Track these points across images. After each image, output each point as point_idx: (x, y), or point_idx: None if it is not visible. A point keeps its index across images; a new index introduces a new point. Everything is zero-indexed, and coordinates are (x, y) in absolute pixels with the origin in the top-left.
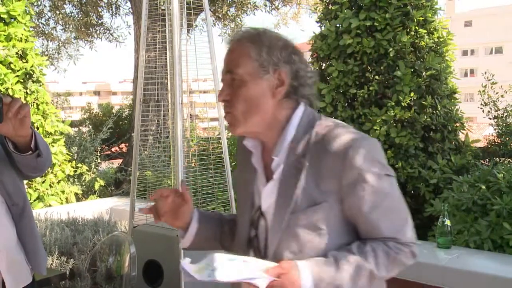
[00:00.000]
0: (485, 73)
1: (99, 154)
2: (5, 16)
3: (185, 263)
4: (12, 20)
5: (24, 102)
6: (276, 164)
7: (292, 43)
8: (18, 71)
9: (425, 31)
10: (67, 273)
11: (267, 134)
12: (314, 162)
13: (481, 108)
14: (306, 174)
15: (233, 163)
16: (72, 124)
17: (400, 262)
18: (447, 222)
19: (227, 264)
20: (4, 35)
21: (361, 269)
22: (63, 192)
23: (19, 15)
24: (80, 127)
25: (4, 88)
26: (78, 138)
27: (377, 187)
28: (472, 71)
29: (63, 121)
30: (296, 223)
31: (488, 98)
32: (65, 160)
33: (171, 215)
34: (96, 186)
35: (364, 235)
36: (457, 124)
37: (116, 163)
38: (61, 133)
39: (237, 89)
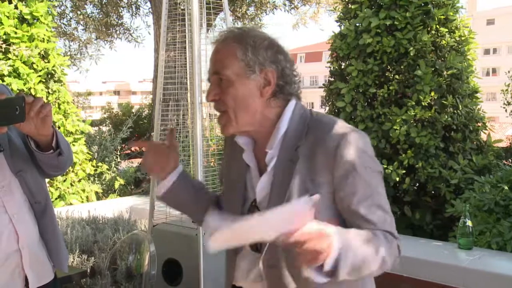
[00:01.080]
0: (509, 72)
1: (119, 153)
2: (28, 17)
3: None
4: (35, 20)
5: (46, 101)
6: (269, 158)
7: (277, 42)
8: (40, 71)
9: (446, 30)
10: (88, 271)
11: (258, 131)
12: (307, 154)
13: (504, 108)
14: (300, 166)
15: None
16: (93, 124)
17: (393, 254)
18: (469, 222)
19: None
20: (27, 35)
21: (371, 240)
22: (83, 190)
23: (41, 15)
24: (100, 127)
25: (26, 88)
26: (98, 137)
27: (368, 180)
28: (494, 70)
29: (83, 121)
30: None
31: (511, 97)
32: (85, 159)
33: (160, 164)
34: (116, 185)
35: (356, 226)
36: (479, 124)
37: (136, 162)
38: (82, 133)
39: (225, 89)
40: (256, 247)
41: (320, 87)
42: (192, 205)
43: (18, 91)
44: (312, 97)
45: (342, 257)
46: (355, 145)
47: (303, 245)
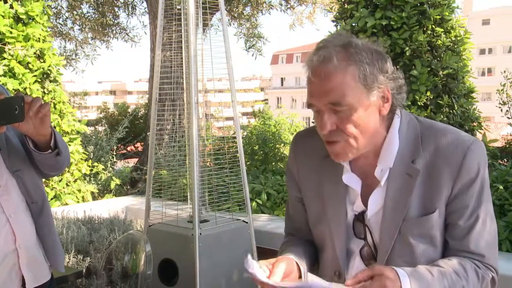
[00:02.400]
0: (504, 72)
1: (115, 153)
2: (23, 16)
3: (249, 259)
4: (31, 20)
5: (43, 101)
6: (380, 171)
7: (382, 50)
8: (36, 70)
9: (442, 30)
10: (84, 271)
11: (368, 147)
12: (428, 167)
13: (499, 108)
14: (420, 180)
15: (248, 162)
16: (88, 124)
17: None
18: None
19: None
20: (22, 35)
21: (454, 284)
22: (79, 190)
23: (37, 15)
24: (96, 127)
25: (22, 88)
26: (94, 137)
27: (485, 195)
28: (489, 70)
29: (79, 121)
30: (408, 231)
31: (506, 97)
32: (81, 159)
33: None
34: (112, 185)
35: (452, 246)
36: (474, 124)
37: (132, 162)
38: (78, 132)
39: (345, 117)
40: None
41: None
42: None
43: (13, 91)
44: None
45: None
46: (479, 156)
47: None
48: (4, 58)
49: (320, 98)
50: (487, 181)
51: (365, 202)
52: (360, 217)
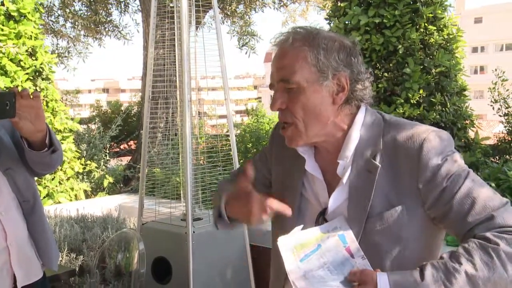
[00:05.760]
0: (496, 70)
1: (108, 152)
2: (15, 13)
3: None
4: (22, 17)
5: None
6: (341, 168)
7: (348, 43)
8: (27, 68)
9: (435, 28)
10: (77, 269)
11: (327, 141)
12: (387, 163)
13: (491, 106)
14: (380, 176)
15: (241, 160)
16: (81, 122)
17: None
18: None
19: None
20: (14, 32)
21: (451, 274)
22: (72, 189)
23: (28, 12)
24: (89, 125)
25: (14, 86)
26: (87, 135)
27: (454, 171)
28: (482, 68)
29: (72, 119)
30: (372, 229)
31: (498, 95)
32: (74, 157)
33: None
34: (105, 183)
35: (459, 232)
36: (467, 122)
37: (125, 160)
38: (70, 131)
39: (294, 97)
40: None
41: None
42: None
43: (5, 89)
44: None
45: None
46: (437, 145)
47: None
48: None
49: (275, 75)
50: (461, 167)
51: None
52: (322, 215)
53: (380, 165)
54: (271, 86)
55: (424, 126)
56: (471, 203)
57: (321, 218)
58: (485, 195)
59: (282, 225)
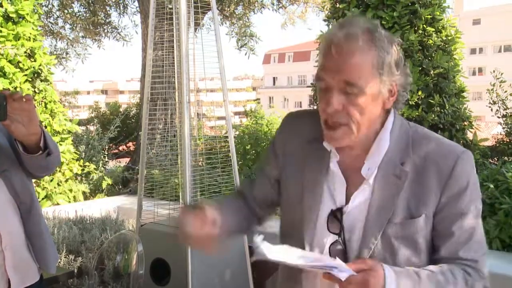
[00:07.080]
0: (494, 71)
1: (106, 153)
2: (13, 15)
3: (259, 241)
4: (21, 19)
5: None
6: (367, 169)
7: (398, 47)
8: (26, 70)
9: (433, 30)
10: (75, 271)
11: (360, 141)
12: (415, 172)
13: (490, 107)
14: (408, 184)
15: (240, 162)
16: (80, 123)
17: None
18: None
19: (301, 252)
20: (12, 34)
21: (442, 286)
22: (70, 190)
23: (27, 14)
24: (88, 126)
25: (12, 87)
26: (85, 137)
27: (474, 201)
28: (480, 70)
29: (70, 120)
30: (392, 233)
31: (496, 96)
32: (72, 159)
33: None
34: (104, 185)
35: (444, 254)
36: (465, 123)
37: (124, 161)
38: (69, 132)
39: (353, 99)
40: None
41: (308, 86)
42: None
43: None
44: (300, 96)
45: None
46: (469, 166)
47: None
48: None
49: (335, 74)
50: (477, 189)
51: (347, 198)
52: (337, 212)
53: (409, 172)
54: (319, 80)
55: (454, 144)
56: (469, 237)
57: (331, 216)
58: (481, 236)
59: (292, 223)
